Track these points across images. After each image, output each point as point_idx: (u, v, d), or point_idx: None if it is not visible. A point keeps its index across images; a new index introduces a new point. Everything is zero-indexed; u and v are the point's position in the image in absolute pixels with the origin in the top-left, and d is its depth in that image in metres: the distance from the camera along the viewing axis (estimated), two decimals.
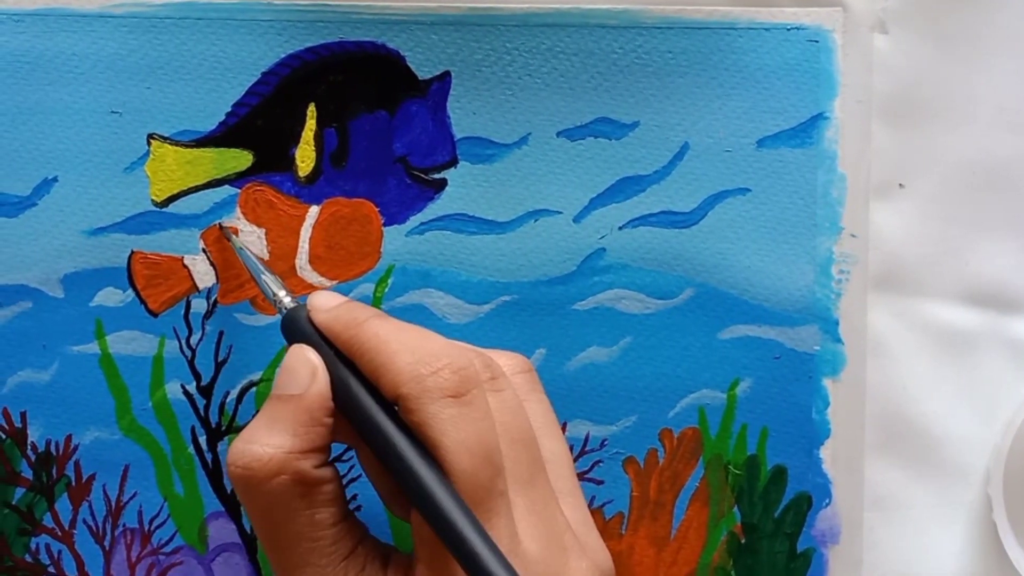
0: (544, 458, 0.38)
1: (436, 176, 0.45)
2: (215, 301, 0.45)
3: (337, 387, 0.37)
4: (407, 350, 0.36)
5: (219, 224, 0.44)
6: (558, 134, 0.45)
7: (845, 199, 0.45)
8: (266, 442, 0.36)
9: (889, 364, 0.45)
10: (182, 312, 0.45)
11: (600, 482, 0.45)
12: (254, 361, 0.45)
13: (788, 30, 0.45)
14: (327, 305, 0.38)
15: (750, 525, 0.45)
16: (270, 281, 0.41)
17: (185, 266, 0.45)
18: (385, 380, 0.36)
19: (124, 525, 0.45)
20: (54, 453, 0.44)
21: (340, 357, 0.37)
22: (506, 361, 0.40)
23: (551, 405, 0.40)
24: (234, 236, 0.43)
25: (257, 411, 0.44)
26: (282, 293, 0.40)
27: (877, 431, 0.45)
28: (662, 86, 0.45)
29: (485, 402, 0.36)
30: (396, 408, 0.36)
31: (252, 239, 0.44)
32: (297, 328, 0.38)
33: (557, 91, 0.45)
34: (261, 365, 0.45)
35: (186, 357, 0.45)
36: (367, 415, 0.36)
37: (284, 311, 0.40)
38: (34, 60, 0.44)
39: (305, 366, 0.37)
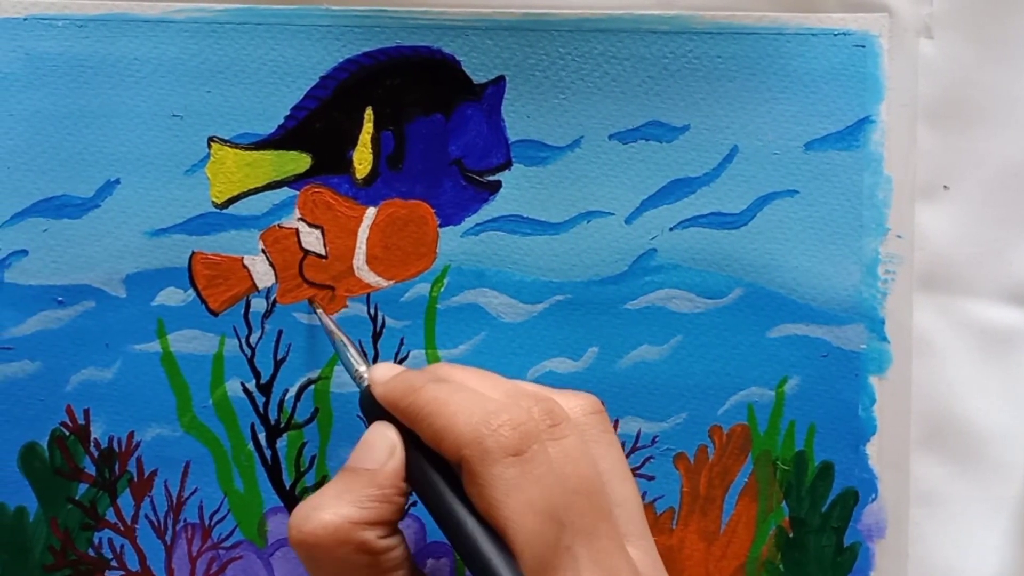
0: (613, 501, 0.37)
1: (491, 178, 0.46)
2: (274, 301, 0.45)
3: (409, 463, 0.37)
4: (465, 411, 0.35)
5: (309, 300, 0.45)
6: (610, 137, 0.46)
7: (891, 200, 0.46)
8: (334, 510, 0.36)
9: (934, 362, 0.46)
10: (242, 311, 0.45)
11: (651, 478, 0.46)
12: (312, 359, 0.46)
13: (835, 35, 0.46)
14: (383, 377, 0.38)
15: (798, 520, 0.46)
16: (353, 357, 0.41)
17: (245, 266, 0.45)
18: (446, 444, 0.36)
19: (185, 520, 0.46)
20: (116, 450, 0.45)
21: (402, 429, 0.38)
22: (575, 402, 0.39)
23: (621, 447, 0.40)
24: (319, 311, 0.44)
25: (312, 415, 0.45)
26: (363, 369, 0.40)
27: (922, 428, 0.46)
28: (712, 90, 0.46)
29: (547, 455, 0.35)
30: (459, 469, 0.36)
31: (311, 240, 0.45)
32: (376, 403, 0.39)
33: (609, 95, 0.46)
34: (319, 363, 0.46)
35: (246, 356, 0.45)
36: (435, 492, 0.36)
37: (363, 386, 0.40)
38: (97, 65, 0.45)
39: (384, 443, 0.37)
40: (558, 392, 0.39)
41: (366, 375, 0.40)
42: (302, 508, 0.36)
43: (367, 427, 0.39)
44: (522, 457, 0.35)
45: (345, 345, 0.42)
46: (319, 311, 0.44)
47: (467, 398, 0.36)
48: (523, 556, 0.34)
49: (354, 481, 0.37)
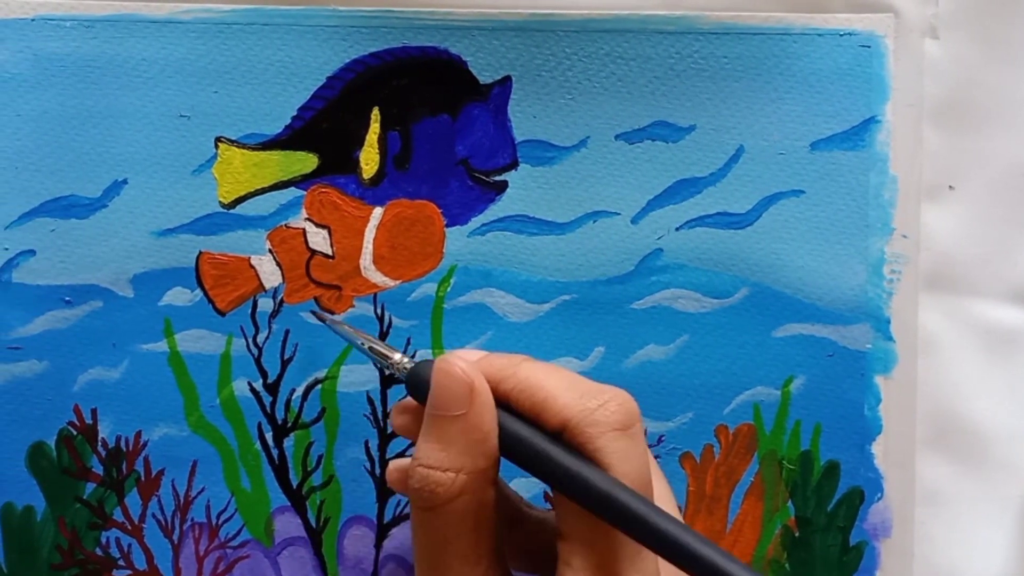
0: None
1: (497, 178, 0.46)
2: (281, 300, 0.46)
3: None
4: (570, 387, 0.36)
5: (312, 311, 0.45)
6: (616, 137, 0.46)
7: (896, 200, 0.46)
8: (447, 466, 0.36)
9: (939, 362, 0.46)
10: (249, 311, 0.46)
11: None
12: (319, 359, 0.46)
13: (841, 35, 0.46)
14: (472, 358, 0.38)
15: (804, 519, 0.46)
16: (381, 348, 0.40)
17: (252, 266, 0.46)
18: (549, 414, 0.36)
19: (192, 519, 0.46)
20: (124, 449, 0.45)
21: None
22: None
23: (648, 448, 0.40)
24: (329, 320, 0.43)
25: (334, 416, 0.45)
26: (397, 356, 0.40)
27: (928, 427, 0.46)
28: (718, 90, 0.46)
29: (644, 436, 0.37)
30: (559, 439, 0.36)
31: (318, 240, 0.46)
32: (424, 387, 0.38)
33: (615, 95, 0.46)
34: (326, 363, 0.46)
35: (253, 355, 0.46)
36: (527, 440, 0.36)
37: (406, 371, 0.39)
38: (104, 65, 0.45)
39: (460, 384, 0.37)
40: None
41: (404, 361, 0.39)
42: (417, 469, 0.36)
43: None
44: (627, 432, 0.36)
45: (371, 341, 0.41)
46: (329, 320, 0.43)
47: (566, 375, 0.37)
48: None
49: (450, 430, 0.36)
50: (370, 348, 0.40)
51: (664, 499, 0.40)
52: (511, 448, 0.37)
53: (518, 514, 0.40)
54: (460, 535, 0.36)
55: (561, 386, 0.36)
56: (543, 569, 0.39)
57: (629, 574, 0.35)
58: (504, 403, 0.37)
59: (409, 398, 0.38)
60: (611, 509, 0.35)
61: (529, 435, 0.36)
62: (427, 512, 0.36)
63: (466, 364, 0.37)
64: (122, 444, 0.45)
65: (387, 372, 0.40)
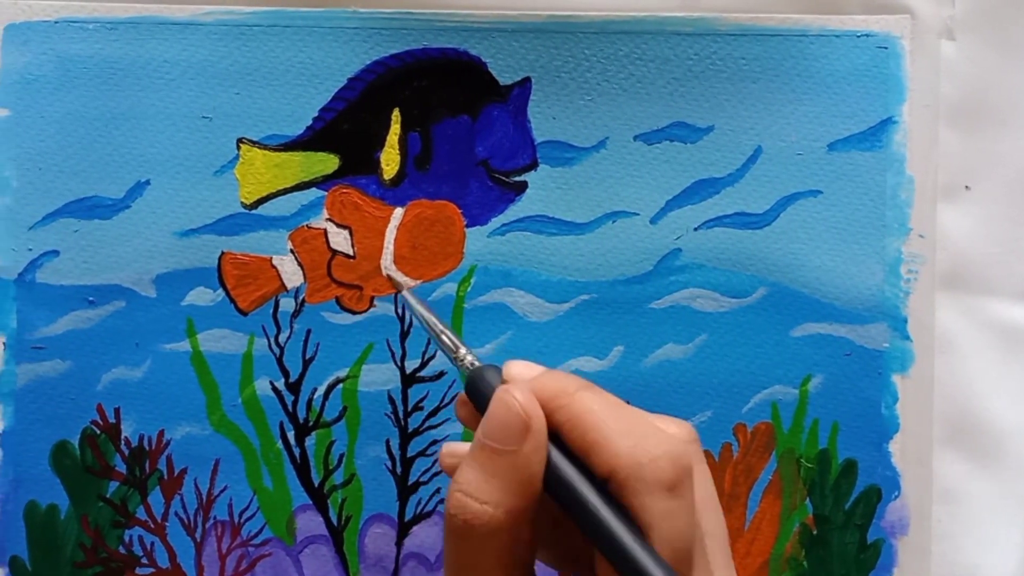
0: (705, 531, 0.37)
1: (517, 179, 0.46)
2: (303, 300, 0.46)
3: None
4: (625, 432, 0.35)
5: (387, 275, 0.45)
6: (635, 138, 0.46)
7: (913, 201, 0.46)
8: (486, 499, 0.35)
9: (956, 360, 0.47)
10: (271, 311, 0.46)
11: None
12: (341, 358, 0.46)
13: (858, 37, 0.46)
14: (529, 373, 0.37)
15: (822, 517, 0.47)
16: (451, 340, 0.39)
17: (274, 266, 0.46)
18: (599, 459, 0.35)
19: (215, 518, 0.46)
20: (147, 448, 0.46)
21: None
22: (674, 430, 0.37)
23: (711, 477, 0.38)
24: (408, 296, 0.42)
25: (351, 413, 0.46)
26: (463, 351, 0.38)
27: (944, 426, 0.47)
28: (736, 91, 0.46)
29: (692, 496, 0.35)
30: (605, 486, 0.35)
31: (339, 240, 0.46)
32: (491, 390, 0.36)
33: (634, 96, 0.46)
34: (347, 362, 0.46)
35: (275, 355, 0.46)
36: (575, 489, 0.35)
37: (468, 371, 0.38)
38: (127, 67, 0.45)
39: (517, 419, 0.35)
40: (658, 417, 0.38)
41: (468, 358, 0.38)
42: (456, 495, 0.35)
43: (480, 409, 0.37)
44: (674, 492, 0.34)
45: (441, 330, 0.39)
46: (408, 296, 0.42)
47: (625, 418, 0.35)
48: None
49: (497, 463, 0.35)
50: (440, 334, 0.39)
51: (718, 535, 0.37)
52: (555, 488, 0.35)
53: (561, 514, 0.40)
54: (491, 568, 0.35)
55: (616, 429, 0.35)
56: (585, 570, 0.38)
57: None
58: (554, 432, 0.35)
59: None
60: None
61: (574, 480, 0.35)
62: (461, 541, 0.35)
63: (525, 399, 0.35)
64: (145, 443, 0.46)
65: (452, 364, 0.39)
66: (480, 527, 0.35)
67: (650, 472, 0.34)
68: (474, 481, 0.35)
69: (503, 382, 0.37)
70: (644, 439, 0.34)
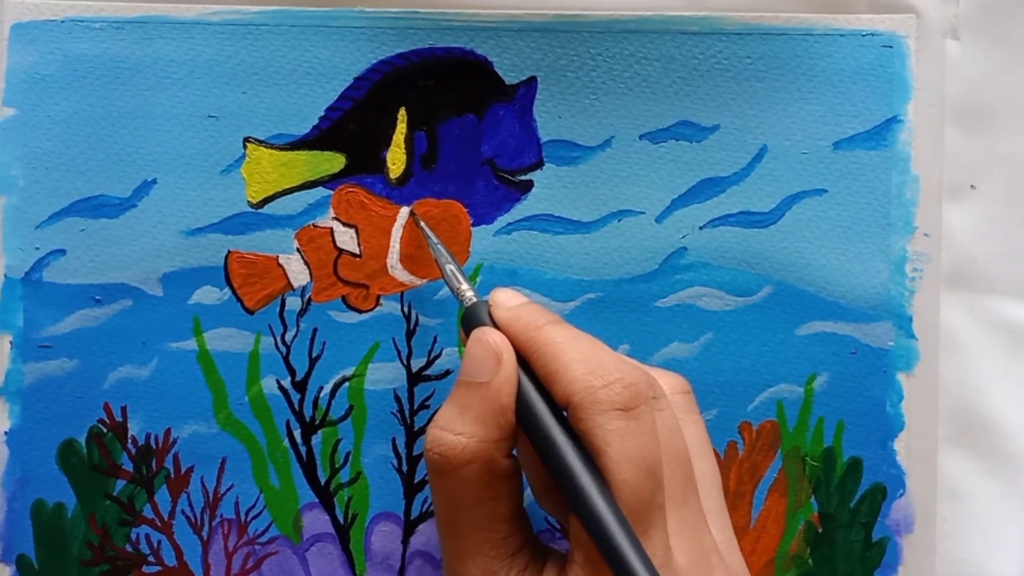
0: (696, 477, 0.39)
1: (523, 178, 0.46)
2: (309, 299, 0.46)
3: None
4: (582, 360, 0.37)
5: (412, 213, 0.46)
6: (640, 137, 0.46)
7: (918, 199, 0.46)
8: (460, 430, 0.37)
9: (961, 359, 0.47)
10: (277, 310, 0.46)
11: None
12: (347, 357, 0.46)
13: (863, 36, 0.46)
14: (509, 303, 0.39)
15: (827, 515, 0.47)
16: (455, 273, 0.42)
17: (280, 265, 0.46)
18: (558, 386, 0.37)
19: (221, 516, 0.46)
20: (153, 446, 0.46)
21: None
22: (667, 381, 0.41)
23: (706, 426, 0.41)
24: (424, 225, 0.44)
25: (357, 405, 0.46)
26: (464, 287, 0.41)
27: (949, 424, 0.47)
28: (741, 90, 0.46)
29: (651, 418, 0.37)
30: (565, 413, 0.37)
31: (345, 239, 0.46)
32: (479, 322, 0.39)
33: (640, 95, 0.46)
34: (354, 361, 0.46)
35: (281, 353, 0.46)
36: (537, 416, 0.37)
37: (466, 305, 0.41)
38: (134, 66, 0.46)
39: (490, 354, 0.38)
40: (651, 368, 0.40)
41: (467, 293, 0.41)
42: (432, 430, 0.38)
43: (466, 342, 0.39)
44: (629, 413, 0.36)
45: (448, 261, 0.42)
46: (424, 226, 0.44)
47: (585, 348, 0.37)
48: (620, 504, 0.35)
49: (471, 396, 0.37)
50: (449, 269, 0.42)
51: (708, 479, 0.40)
52: (523, 420, 0.37)
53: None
54: (475, 502, 0.37)
55: (574, 358, 0.37)
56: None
57: None
58: (527, 365, 0.38)
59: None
60: (579, 506, 0.35)
61: (536, 407, 0.37)
62: (440, 476, 0.37)
63: (499, 336, 0.38)
64: (152, 441, 0.46)
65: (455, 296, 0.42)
66: (455, 458, 0.37)
67: (603, 394, 0.36)
68: (450, 416, 0.37)
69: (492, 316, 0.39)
70: (600, 367, 0.36)
